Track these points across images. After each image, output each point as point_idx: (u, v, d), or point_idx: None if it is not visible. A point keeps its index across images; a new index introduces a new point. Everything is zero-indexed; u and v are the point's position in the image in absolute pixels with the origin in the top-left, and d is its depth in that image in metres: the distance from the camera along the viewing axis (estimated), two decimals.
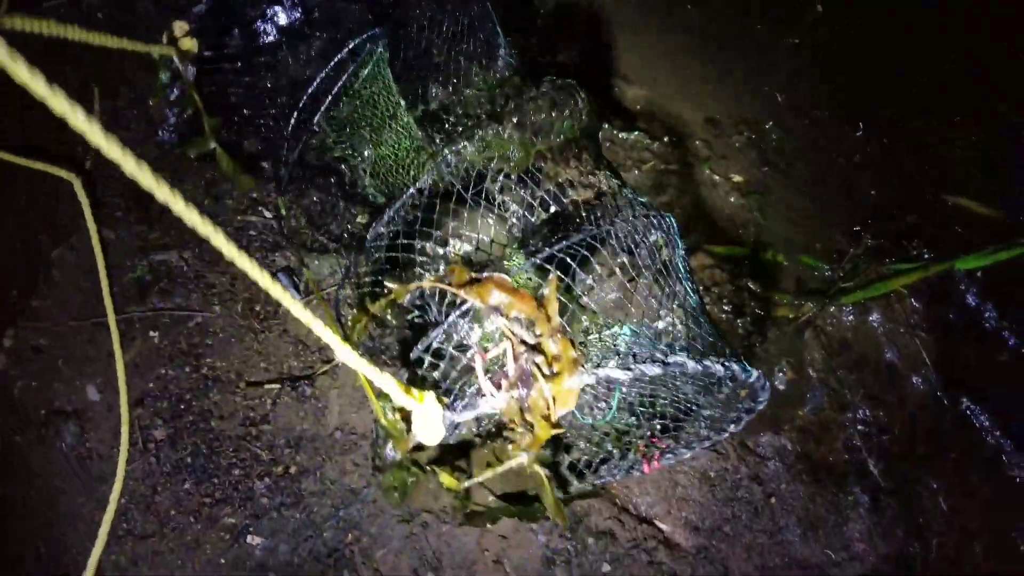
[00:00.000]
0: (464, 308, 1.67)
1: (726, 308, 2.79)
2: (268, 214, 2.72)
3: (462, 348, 1.73)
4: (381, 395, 1.59)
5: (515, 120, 2.09)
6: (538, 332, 1.61)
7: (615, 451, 2.17)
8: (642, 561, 2.37)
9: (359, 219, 2.66)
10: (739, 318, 2.78)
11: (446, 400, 1.59)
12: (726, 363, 1.56)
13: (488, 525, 2.26)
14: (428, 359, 1.70)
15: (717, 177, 3.24)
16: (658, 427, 2.12)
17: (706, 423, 1.96)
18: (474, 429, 2.08)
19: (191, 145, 2.48)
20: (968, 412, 2.79)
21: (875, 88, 3.67)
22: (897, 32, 3.82)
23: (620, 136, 3.23)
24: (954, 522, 2.61)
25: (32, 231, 2.56)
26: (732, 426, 1.86)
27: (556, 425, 1.60)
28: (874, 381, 2.82)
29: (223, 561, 2.28)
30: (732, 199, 3.19)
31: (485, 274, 1.71)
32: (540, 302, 1.65)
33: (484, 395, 1.58)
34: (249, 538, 2.30)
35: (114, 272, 2.54)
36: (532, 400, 1.58)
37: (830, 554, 2.49)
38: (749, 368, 1.61)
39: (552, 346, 1.59)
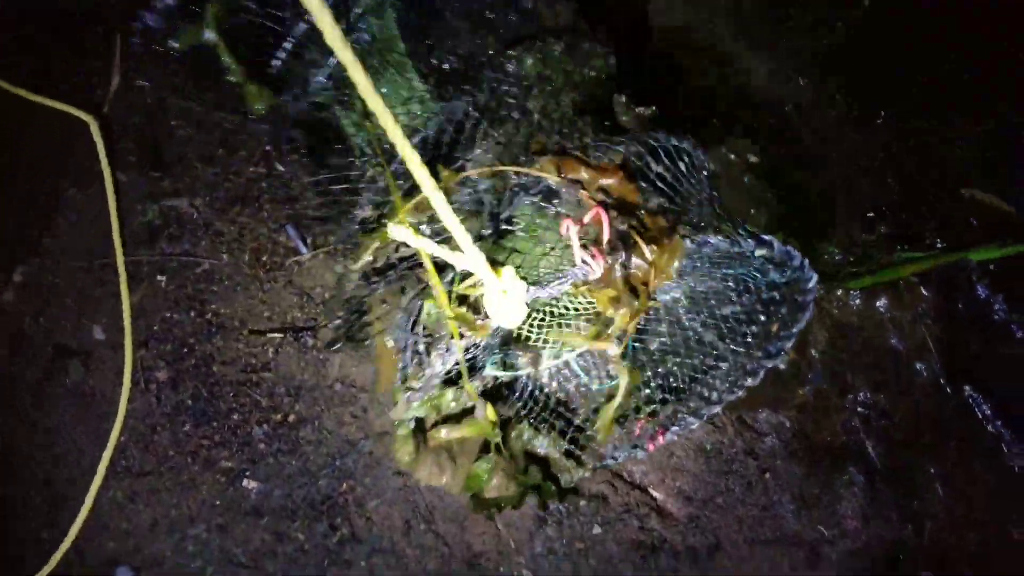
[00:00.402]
0: (539, 188, 1.59)
1: None
2: (281, 167, 2.73)
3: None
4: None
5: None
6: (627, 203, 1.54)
7: (617, 428, 2.13)
8: (633, 526, 2.38)
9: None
10: None
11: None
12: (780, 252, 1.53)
13: (495, 511, 2.21)
14: (503, 227, 1.64)
15: (732, 156, 3.22)
16: (667, 395, 2.08)
17: (723, 379, 1.91)
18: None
19: (184, 36, 2.14)
20: (971, 401, 2.77)
21: (892, 81, 3.63)
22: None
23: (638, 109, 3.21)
24: (951, 508, 2.59)
25: (46, 170, 2.59)
26: (750, 379, 1.78)
27: (652, 296, 1.54)
28: (877, 366, 2.80)
29: (218, 503, 2.30)
30: (745, 179, 3.17)
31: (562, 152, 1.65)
32: (625, 173, 1.57)
33: (580, 266, 1.49)
34: (245, 482, 2.33)
35: (125, 216, 2.57)
36: (633, 268, 1.51)
37: (822, 531, 2.49)
38: (797, 256, 1.56)
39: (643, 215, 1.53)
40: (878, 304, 2.88)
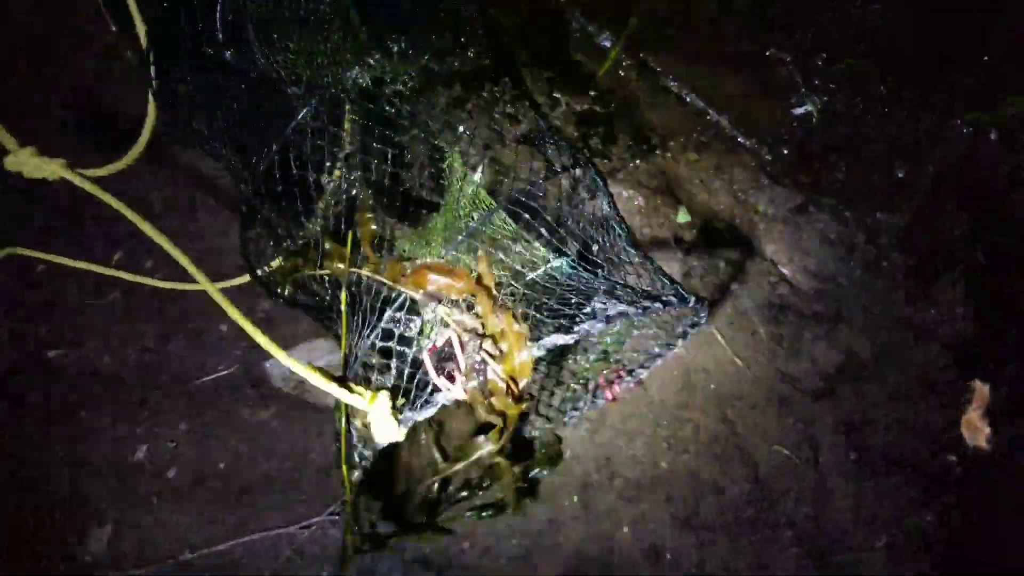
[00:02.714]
0: (400, 301, 1.60)
1: None
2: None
3: (405, 341, 1.62)
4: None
5: None
6: (480, 309, 1.55)
7: (577, 388, 2.35)
8: (764, 288, 2.76)
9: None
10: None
11: (402, 400, 1.50)
12: (666, 298, 1.58)
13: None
14: (375, 359, 1.61)
15: None
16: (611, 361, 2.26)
17: (654, 343, 2.08)
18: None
19: None
20: None
21: None
22: None
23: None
24: None
25: None
26: (680, 341, 1.95)
27: (521, 399, 1.55)
28: (986, 187, 3.08)
29: None
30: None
31: (418, 262, 1.64)
32: (477, 280, 1.57)
33: (440, 391, 1.51)
34: None
35: None
36: (492, 384, 1.53)
37: (934, 314, 2.81)
38: (688, 295, 1.62)
39: (496, 321, 1.51)
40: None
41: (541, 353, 1.49)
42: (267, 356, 2.69)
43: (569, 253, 1.79)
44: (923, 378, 2.75)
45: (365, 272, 1.64)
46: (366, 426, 1.47)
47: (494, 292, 1.54)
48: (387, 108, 1.94)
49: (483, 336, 1.49)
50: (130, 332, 2.74)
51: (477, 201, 1.79)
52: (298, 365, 1.39)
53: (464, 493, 2.32)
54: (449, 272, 1.57)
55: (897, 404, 2.71)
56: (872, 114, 3.12)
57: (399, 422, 1.44)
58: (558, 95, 3.04)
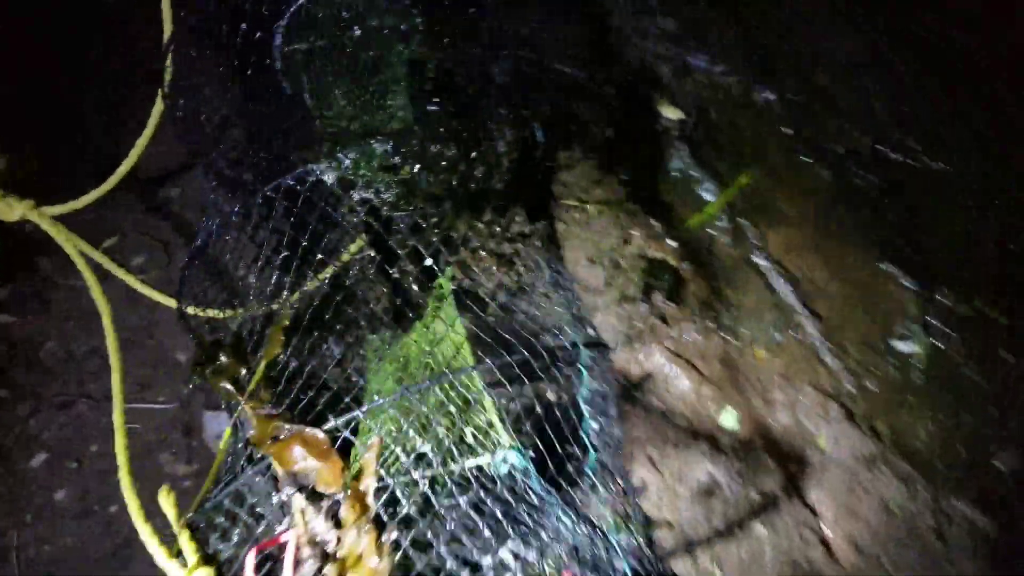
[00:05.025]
0: (262, 467, 1.29)
1: None
2: None
3: (256, 514, 1.34)
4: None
5: None
6: (344, 516, 1.20)
7: None
8: (794, 541, 2.25)
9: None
10: None
11: None
12: None
13: None
14: (221, 520, 1.31)
15: None
16: None
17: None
18: None
19: None
20: None
21: None
22: None
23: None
24: None
25: None
26: None
27: None
28: None
29: None
30: None
31: (294, 427, 1.26)
32: (356, 476, 1.22)
33: None
34: None
35: None
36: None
37: None
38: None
39: (355, 541, 1.16)
40: None
41: None
42: (213, 404, 2.36)
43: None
44: None
45: (247, 407, 1.25)
46: None
47: (369, 500, 1.15)
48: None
49: (328, 557, 1.10)
50: (89, 325, 2.47)
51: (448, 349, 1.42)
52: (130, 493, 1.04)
53: None
54: (323, 455, 1.18)
55: None
56: (988, 377, 2.60)
57: None
58: (634, 231, 2.67)
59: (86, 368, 2.42)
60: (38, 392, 2.39)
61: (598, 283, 2.57)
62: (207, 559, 1.18)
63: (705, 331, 2.54)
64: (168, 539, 1.19)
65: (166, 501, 1.19)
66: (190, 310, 1.62)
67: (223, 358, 1.35)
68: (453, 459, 1.37)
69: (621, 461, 2.20)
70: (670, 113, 2.97)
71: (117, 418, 1.24)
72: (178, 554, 1.16)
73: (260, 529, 1.22)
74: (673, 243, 2.66)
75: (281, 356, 1.39)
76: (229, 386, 1.32)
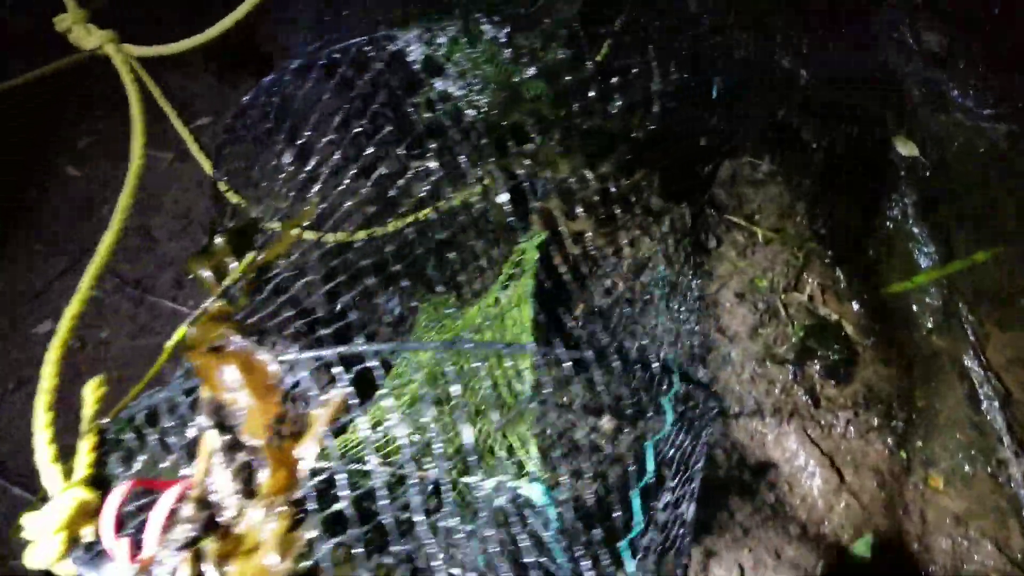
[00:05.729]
0: (186, 374, 1.01)
1: None
2: None
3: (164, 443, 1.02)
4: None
5: None
6: (261, 479, 0.86)
7: None
8: None
9: None
10: None
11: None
12: None
13: None
14: (127, 436, 1.00)
15: None
16: None
17: None
18: None
19: None
20: None
21: None
22: None
23: None
24: None
25: None
26: None
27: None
28: None
29: None
30: None
31: (245, 342, 0.92)
32: (293, 435, 0.86)
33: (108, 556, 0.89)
34: None
35: None
36: None
37: None
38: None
39: (263, 522, 0.83)
40: None
41: None
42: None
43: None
44: None
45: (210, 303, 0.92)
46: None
47: (300, 474, 0.79)
48: None
49: (215, 529, 0.78)
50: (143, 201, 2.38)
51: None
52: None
53: None
54: (263, 391, 0.82)
55: None
56: None
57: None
58: (810, 276, 2.11)
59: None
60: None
61: (741, 327, 2.05)
62: (96, 481, 0.89)
63: (867, 430, 1.94)
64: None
65: (92, 394, 0.92)
66: (221, 185, 1.39)
67: (219, 241, 1.08)
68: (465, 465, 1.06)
69: (688, 550, 1.73)
70: (903, 148, 2.32)
71: (85, 281, 0.99)
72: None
73: (165, 464, 0.92)
74: (857, 306, 2.06)
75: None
76: (208, 273, 1.05)
